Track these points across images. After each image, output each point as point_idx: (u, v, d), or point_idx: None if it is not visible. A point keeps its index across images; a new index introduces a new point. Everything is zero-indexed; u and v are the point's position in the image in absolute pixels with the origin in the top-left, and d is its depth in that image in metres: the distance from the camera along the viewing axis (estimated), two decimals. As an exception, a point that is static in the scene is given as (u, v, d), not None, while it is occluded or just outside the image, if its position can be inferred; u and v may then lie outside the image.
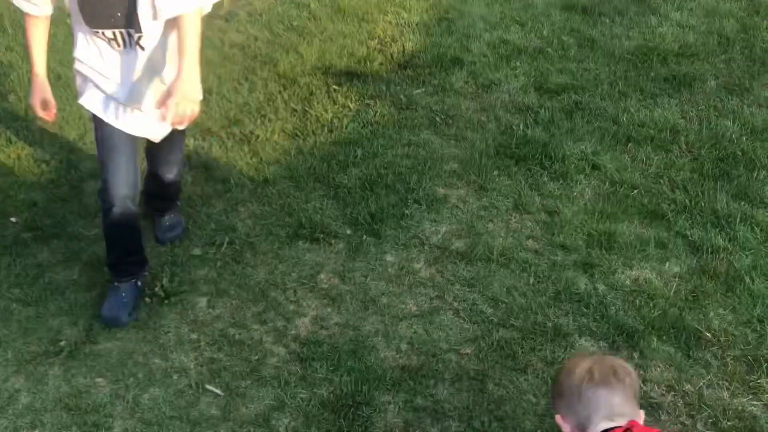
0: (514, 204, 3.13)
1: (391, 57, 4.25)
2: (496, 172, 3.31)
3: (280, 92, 3.95)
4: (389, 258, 2.89)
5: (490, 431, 2.24)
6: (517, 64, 4.12)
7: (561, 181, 3.24)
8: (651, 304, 2.64)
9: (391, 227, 3.02)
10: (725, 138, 3.45)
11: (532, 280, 2.75)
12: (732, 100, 3.75)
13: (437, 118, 3.70)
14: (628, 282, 2.73)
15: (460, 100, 3.82)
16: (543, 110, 3.69)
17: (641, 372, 2.40)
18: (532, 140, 3.47)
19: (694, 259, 2.83)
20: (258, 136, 3.59)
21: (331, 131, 3.63)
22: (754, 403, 2.33)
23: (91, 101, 2.45)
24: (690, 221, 3.00)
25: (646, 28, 4.47)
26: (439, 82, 3.97)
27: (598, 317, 2.59)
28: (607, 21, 4.57)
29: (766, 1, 4.79)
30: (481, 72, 4.04)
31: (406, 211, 3.10)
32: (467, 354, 2.49)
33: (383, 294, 2.73)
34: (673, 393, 2.36)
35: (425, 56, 4.20)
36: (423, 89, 3.92)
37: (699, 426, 2.26)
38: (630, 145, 3.45)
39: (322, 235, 2.98)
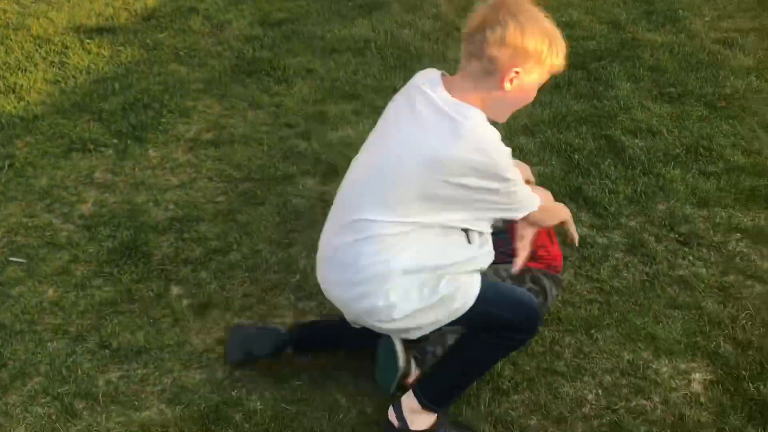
0: (249, 104, 3.98)
1: (136, 12, 4.91)
2: (233, 85, 4.14)
3: (36, 50, 4.45)
4: (152, 153, 3.61)
5: (241, 242, 3.06)
6: (243, 7, 4.99)
7: (284, 84, 4.15)
8: (351, 150, 3.62)
9: (151, 132, 3.73)
10: (403, 41, 4.58)
11: (265, 149, 3.62)
12: (408, 15, 4.92)
13: (181, 53, 4.45)
14: (333, 140, 3.69)
15: (198, 39, 4.61)
16: (267, 38, 4.60)
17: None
18: (260, 59, 4.35)
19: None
20: (22, 86, 4.10)
21: (89, 74, 4.24)
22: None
23: None
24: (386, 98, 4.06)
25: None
26: (180, 27, 4.72)
27: (314, 163, 3.52)
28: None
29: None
30: (214, 15, 4.86)
31: (162, 120, 3.82)
32: (221, 201, 3.29)
33: (150, 177, 3.45)
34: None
35: (165, 9, 4.92)
36: (166, 33, 4.65)
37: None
38: (334, 54, 4.46)
39: (92, 146, 3.62)
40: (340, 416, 2.28)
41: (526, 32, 1.84)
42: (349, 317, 2.10)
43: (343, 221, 2.00)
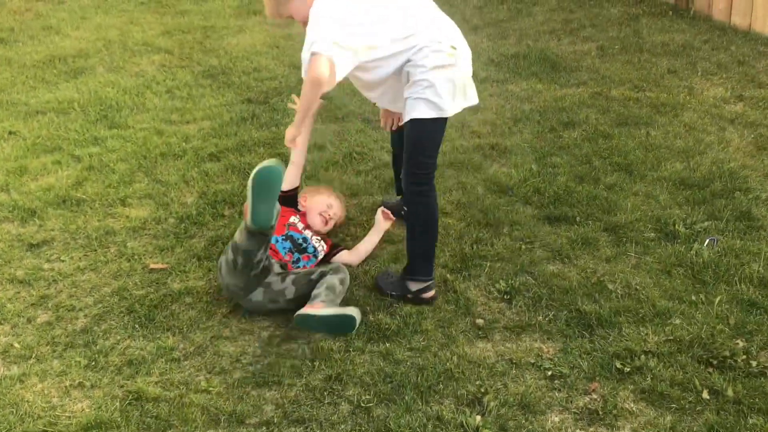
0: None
1: None
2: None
3: None
4: None
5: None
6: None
7: (-16, 147, 4.36)
8: (50, 194, 3.93)
9: None
10: (106, 97, 4.99)
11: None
12: (110, 75, 5.36)
13: None
14: (32, 189, 3.97)
15: None
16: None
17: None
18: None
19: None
20: None
21: None
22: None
23: None
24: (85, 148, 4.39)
25: (51, 44, 5.88)
26: None
27: (11, 209, 3.77)
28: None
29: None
30: None
31: None
32: None
33: None
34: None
35: None
36: None
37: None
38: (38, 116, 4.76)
39: None
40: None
41: None
42: None
43: None
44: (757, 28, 5.88)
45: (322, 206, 3.41)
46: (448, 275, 3.20)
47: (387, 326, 2.91)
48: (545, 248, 3.40)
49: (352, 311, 2.83)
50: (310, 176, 4.00)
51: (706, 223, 3.50)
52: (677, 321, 2.91)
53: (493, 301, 3.07)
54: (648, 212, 3.63)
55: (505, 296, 3.08)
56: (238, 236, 2.89)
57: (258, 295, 2.98)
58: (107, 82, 5.28)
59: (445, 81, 2.85)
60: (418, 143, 2.93)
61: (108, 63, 5.67)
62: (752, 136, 4.32)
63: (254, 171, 2.74)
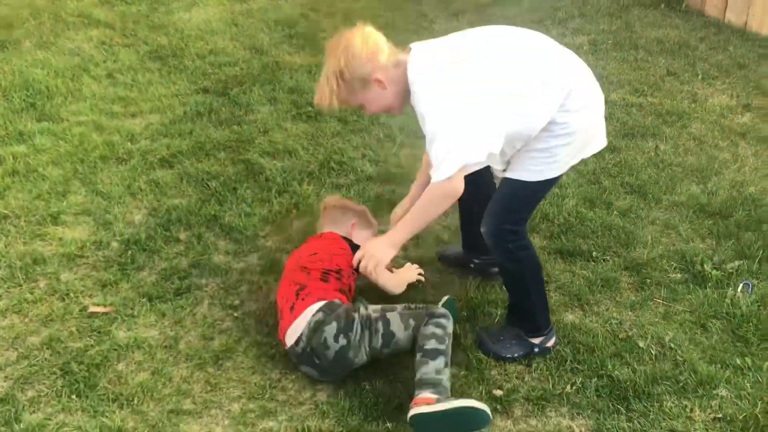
0: None
1: None
2: None
3: None
4: None
5: None
6: None
7: None
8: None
9: None
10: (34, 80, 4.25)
11: None
12: (40, 53, 4.59)
13: None
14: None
15: None
16: None
17: None
18: None
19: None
20: None
21: None
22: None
23: None
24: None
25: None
26: None
27: None
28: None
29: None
30: None
31: None
32: None
33: None
34: None
35: None
36: None
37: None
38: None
39: None
40: None
41: None
42: None
43: None
44: (753, 27, 5.51)
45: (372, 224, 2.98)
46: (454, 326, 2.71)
47: (387, 398, 2.40)
48: (562, 291, 2.93)
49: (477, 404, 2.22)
50: (282, 191, 3.42)
51: (736, 263, 3.09)
52: (723, 392, 2.49)
53: (509, 363, 2.59)
54: (670, 246, 3.21)
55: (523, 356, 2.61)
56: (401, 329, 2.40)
57: (362, 355, 2.43)
58: (35, 60, 4.50)
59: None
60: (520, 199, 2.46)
61: (36, 37, 4.85)
62: (767, 153, 3.96)
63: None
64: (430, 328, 2.36)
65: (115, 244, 3.04)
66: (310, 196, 3.39)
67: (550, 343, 2.64)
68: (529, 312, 2.62)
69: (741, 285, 2.99)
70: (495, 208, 2.44)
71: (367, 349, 2.39)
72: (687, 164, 3.83)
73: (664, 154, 3.92)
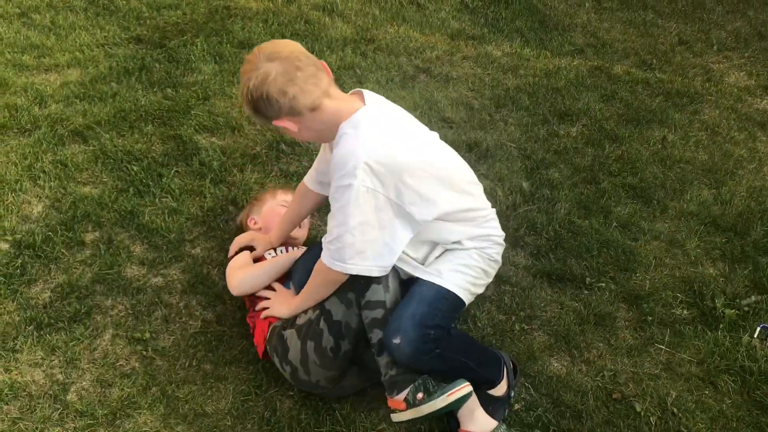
0: None
1: None
2: None
3: None
4: None
5: None
6: None
7: None
8: None
9: None
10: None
11: None
12: None
13: None
14: None
15: None
16: None
17: None
18: None
19: None
20: None
21: None
22: None
23: None
24: None
25: None
26: None
27: None
28: None
29: None
30: None
31: None
32: None
33: None
34: None
35: None
36: None
37: None
38: None
39: None
40: None
41: None
42: None
43: None
44: (776, -12, 4.91)
45: (279, 208, 2.50)
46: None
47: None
48: (547, 330, 2.43)
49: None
50: (218, 180, 2.83)
51: (753, 298, 2.61)
52: (736, 480, 2.06)
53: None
54: (675, 270, 2.71)
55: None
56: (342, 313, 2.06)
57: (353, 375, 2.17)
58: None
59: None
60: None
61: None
62: (788, 151, 3.44)
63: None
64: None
65: (3, 247, 2.45)
66: (252, 188, 2.81)
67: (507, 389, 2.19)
68: (479, 380, 2.11)
69: (758, 329, 2.51)
70: (408, 308, 2.05)
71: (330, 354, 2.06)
72: (698, 162, 3.30)
73: (672, 147, 3.37)
